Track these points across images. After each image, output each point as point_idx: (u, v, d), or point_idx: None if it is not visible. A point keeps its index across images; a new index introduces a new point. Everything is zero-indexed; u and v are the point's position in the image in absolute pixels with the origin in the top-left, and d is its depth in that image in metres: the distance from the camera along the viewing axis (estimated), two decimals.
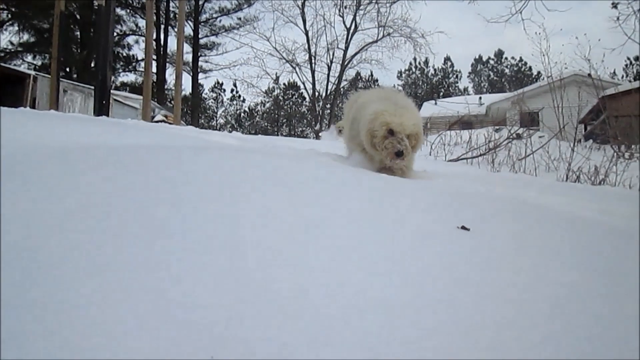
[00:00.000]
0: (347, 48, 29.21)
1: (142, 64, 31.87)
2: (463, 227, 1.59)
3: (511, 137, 9.72)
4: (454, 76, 61.44)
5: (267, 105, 49.44)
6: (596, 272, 1.44)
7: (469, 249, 1.46)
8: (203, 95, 49.87)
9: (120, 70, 33.88)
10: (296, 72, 30.27)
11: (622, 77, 44.62)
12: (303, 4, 29.13)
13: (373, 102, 3.70)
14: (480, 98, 33.71)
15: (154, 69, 30.71)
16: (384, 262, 1.23)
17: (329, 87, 29.86)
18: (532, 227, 2.04)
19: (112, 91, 11.41)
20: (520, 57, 59.20)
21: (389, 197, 2.17)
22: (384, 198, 2.14)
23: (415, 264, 1.25)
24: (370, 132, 3.48)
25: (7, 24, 27.68)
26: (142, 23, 33.25)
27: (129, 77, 35.58)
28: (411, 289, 1.07)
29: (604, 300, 1.20)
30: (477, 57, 65.13)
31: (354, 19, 28.77)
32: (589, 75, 9.71)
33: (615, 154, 8.09)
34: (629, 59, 48.13)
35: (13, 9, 27.12)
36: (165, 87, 34.08)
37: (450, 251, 1.42)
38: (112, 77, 13.02)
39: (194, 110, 35.53)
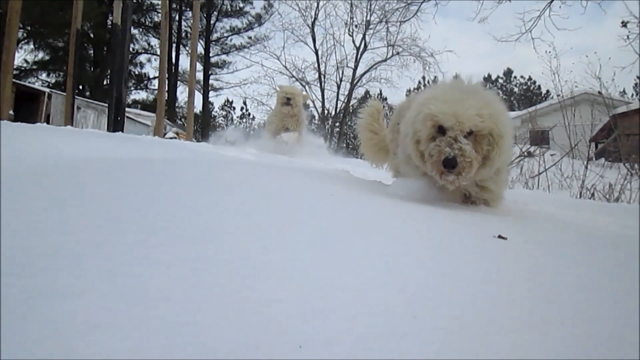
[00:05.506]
0: (356, 67, 29.48)
1: (154, 82, 32.37)
2: (500, 237, 1.63)
3: (523, 154, 9.74)
4: None
5: None
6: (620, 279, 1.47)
7: (507, 259, 1.50)
8: (213, 113, 50.28)
9: (132, 88, 34.35)
10: (306, 90, 30.50)
11: (632, 95, 44.61)
12: (313, 24, 29.53)
13: (424, 93, 2.52)
14: None
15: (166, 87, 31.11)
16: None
17: (339, 106, 30.06)
18: (563, 238, 2.08)
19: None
20: (530, 76, 59.48)
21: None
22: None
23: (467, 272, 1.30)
24: (414, 136, 2.31)
25: (23, 42, 28.22)
26: (154, 42, 33.87)
27: (140, 95, 36.12)
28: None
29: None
30: (486, 75, 65.37)
31: (364, 38, 29.09)
32: (600, 93, 9.72)
33: (628, 171, 8.08)
34: (639, 77, 48.10)
35: (29, 28, 27.66)
36: (177, 104, 34.47)
37: (490, 263, 1.46)
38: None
39: (205, 128, 35.83)
